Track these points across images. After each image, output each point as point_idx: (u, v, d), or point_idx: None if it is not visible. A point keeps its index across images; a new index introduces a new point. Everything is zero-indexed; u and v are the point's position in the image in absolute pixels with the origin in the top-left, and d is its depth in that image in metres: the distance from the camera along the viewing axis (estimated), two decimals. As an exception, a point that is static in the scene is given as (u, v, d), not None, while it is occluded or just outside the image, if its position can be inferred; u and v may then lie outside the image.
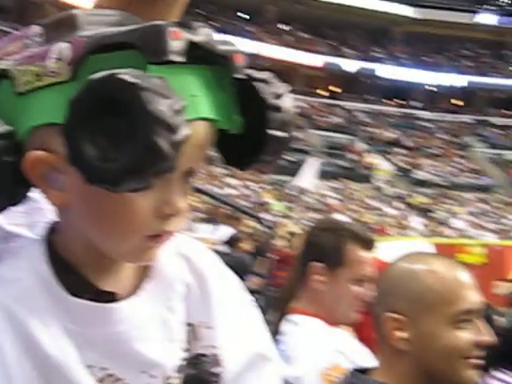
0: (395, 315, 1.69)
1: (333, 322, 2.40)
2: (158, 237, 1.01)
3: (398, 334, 1.68)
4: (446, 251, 24.04)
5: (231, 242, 8.17)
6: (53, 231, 1.08)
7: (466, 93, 44.69)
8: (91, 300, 1.04)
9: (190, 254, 1.17)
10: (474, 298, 1.68)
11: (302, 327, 2.33)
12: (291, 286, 2.58)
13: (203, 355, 1.12)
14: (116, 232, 0.99)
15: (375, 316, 1.75)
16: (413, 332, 1.67)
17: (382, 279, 1.79)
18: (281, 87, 1.03)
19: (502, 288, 12.33)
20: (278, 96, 1.02)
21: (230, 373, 1.14)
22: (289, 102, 1.03)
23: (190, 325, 1.12)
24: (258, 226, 9.50)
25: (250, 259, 7.64)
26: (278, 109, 1.01)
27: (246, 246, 8.77)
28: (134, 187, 0.90)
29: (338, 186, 31.72)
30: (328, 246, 2.43)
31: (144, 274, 1.10)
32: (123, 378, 1.04)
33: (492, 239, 28.21)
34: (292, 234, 11.09)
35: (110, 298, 1.06)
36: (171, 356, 1.08)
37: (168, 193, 0.98)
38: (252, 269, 6.74)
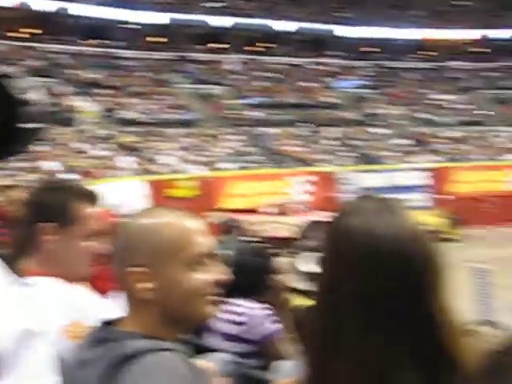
0: (137, 269, 1.79)
1: (69, 278, 2.43)
2: None
3: (141, 285, 1.78)
4: (158, 188, 24.38)
5: None
6: None
7: (168, 30, 45.15)
8: None
9: None
10: (205, 241, 1.82)
11: (39, 288, 2.34)
12: (18, 247, 2.56)
13: None
14: None
15: (118, 272, 1.83)
16: (155, 282, 1.78)
17: (119, 237, 1.86)
18: (29, 81, 1.06)
19: (214, 217, 12.89)
20: (24, 90, 1.05)
21: (5, 351, 1.16)
22: (36, 94, 1.06)
23: None
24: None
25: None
26: (24, 103, 1.05)
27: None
28: None
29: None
30: (55, 205, 2.46)
31: None
32: None
33: (202, 172, 29.15)
34: (4, 186, 10.73)
35: None
36: None
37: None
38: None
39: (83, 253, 2.48)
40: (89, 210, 2.49)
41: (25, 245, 2.50)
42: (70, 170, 24.80)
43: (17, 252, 2.54)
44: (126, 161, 29.71)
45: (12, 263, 2.36)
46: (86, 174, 23.49)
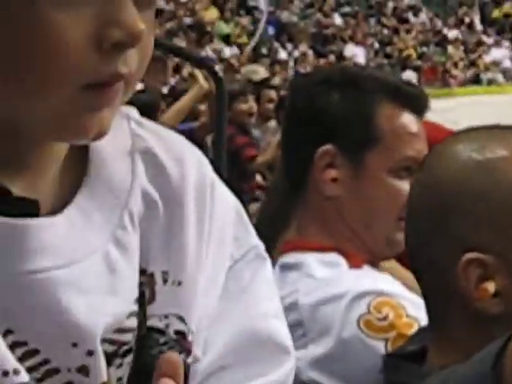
0: (477, 255, 1.01)
1: (364, 256, 1.45)
2: (103, 87, 0.65)
3: (486, 287, 1.02)
4: None
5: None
6: None
7: None
8: None
9: (166, 155, 0.77)
10: None
11: (313, 275, 1.41)
12: (272, 202, 1.72)
13: (160, 331, 0.74)
14: (30, 81, 0.63)
15: (428, 257, 1.10)
16: (503, 279, 1.02)
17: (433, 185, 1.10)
18: None
19: None
20: None
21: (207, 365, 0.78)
22: None
23: (145, 273, 0.74)
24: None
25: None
26: None
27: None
28: None
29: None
30: (341, 112, 1.43)
31: (78, 178, 0.72)
32: (37, 348, 0.67)
33: None
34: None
35: (24, 208, 0.67)
36: (108, 319, 0.69)
37: (113, 6, 0.63)
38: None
39: (391, 203, 1.42)
40: (405, 119, 1.44)
41: (281, 197, 1.59)
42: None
43: (271, 212, 1.65)
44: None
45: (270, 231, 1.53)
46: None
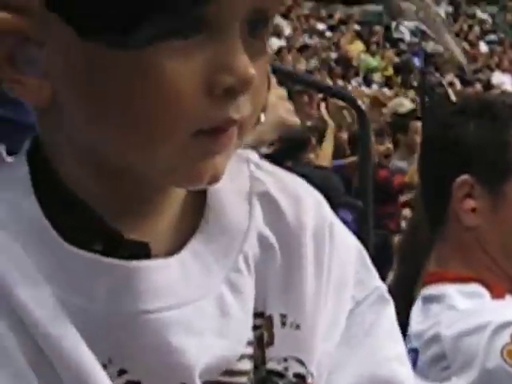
0: None
1: (505, 285, 1.48)
2: (216, 132, 0.65)
3: None
4: None
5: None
6: (37, 149, 0.70)
7: None
8: (103, 254, 0.67)
9: (284, 197, 0.77)
10: None
11: (454, 306, 1.43)
12: (414, 232, 1.69)
13: (279, 374, 0.74)
14: (142, 130, 0.63)
15: None
16: None
17: None
18: None
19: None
20: None
21: None
22: None
23: (262, 316, 0.75)
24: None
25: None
26: None
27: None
28: (160, 33, 0.61)
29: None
30: (477, 141, 1.46)
31: (195, 221, 0.73)
32: None
33: None
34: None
35: (135, 251, 0.69)
36: (216, 360, 0.70)
37: (224, 52, 0.63)
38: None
39: None
40: None
41: (423, 226, 1.59)
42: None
43: (413, 244, 1.67)
44: None
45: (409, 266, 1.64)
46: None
